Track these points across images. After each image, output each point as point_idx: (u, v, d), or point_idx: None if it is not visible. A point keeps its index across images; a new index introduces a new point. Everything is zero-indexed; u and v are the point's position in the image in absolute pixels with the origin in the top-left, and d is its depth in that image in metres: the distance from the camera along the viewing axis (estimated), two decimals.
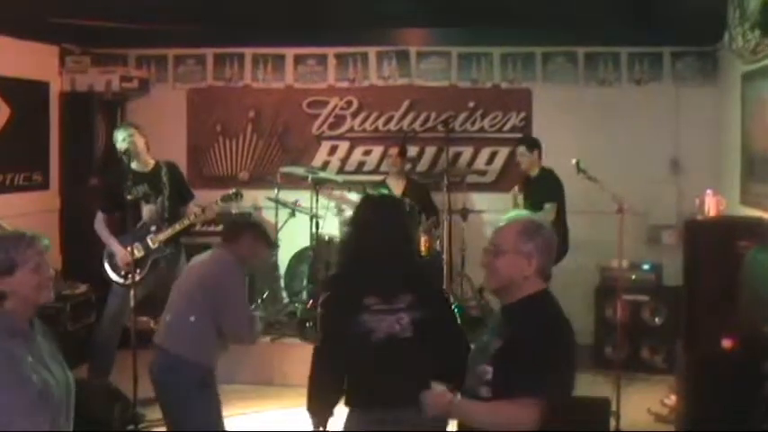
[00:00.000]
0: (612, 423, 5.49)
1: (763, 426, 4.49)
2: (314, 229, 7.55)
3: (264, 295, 7.83)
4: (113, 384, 5.88)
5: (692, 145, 8.00)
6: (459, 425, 3.06)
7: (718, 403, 5.12)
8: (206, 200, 6.54)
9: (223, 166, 8.68)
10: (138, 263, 6.21)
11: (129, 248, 5.91)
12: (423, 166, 8.41)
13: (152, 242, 6.28)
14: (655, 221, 7.99)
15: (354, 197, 8.05)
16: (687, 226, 5.97)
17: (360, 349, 3.56)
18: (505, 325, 2.97)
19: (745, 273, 4.96)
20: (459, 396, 2.92)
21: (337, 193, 8.32)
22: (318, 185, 7.72)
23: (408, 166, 8.05)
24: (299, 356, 6.54)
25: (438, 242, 7.53)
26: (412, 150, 8.20)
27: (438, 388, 2.95)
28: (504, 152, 8.33)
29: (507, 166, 8.27)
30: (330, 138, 8.56)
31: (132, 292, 5.78)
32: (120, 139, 6.34)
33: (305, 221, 7.62)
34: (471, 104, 8.39)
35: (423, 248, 7.29)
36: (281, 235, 7.76)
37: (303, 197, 7.74)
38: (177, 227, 6.35)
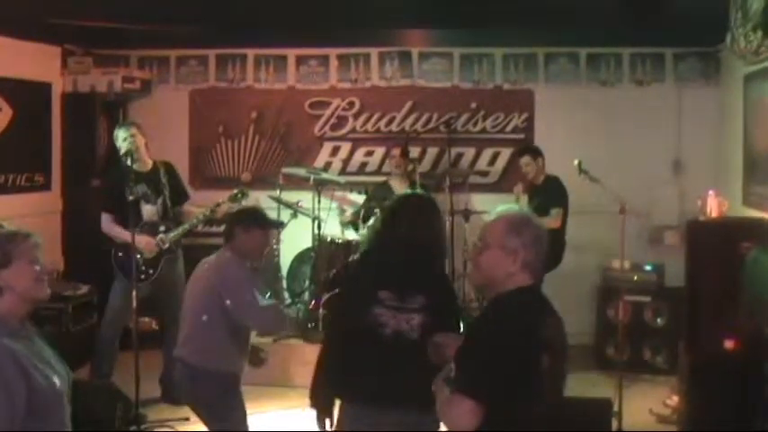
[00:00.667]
0: (614, 424, 5.49)
1: (764, 426, 4.49)
2: (316, 231, 7.54)
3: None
4: (115, 385, 5.87)
5: (695, 146, 8.00)
6: None
7: (720, 404, 5.13)
8: (208, 200, 6.54)
9: (225, 167, 8.68)
10: (149, 263, 6.21)
11: (157, 238, 6.18)
12: (425, 167, 8.40)
13: (162, 242, 6.28)
14: (657, 222, 7.99)
15: (356, 198, 8.06)
16: (689, 227, 5.97)
17: (366, 342, 3.53)
18: (477, 320, 2.97)
19: (746, 273, 4.96)
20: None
21: (339, 194, 8.31)
22: (320, 186, 7.70)
23: (411, 167, 8.05)
24: (301, 357, 6.56)
25: None
26: (414, 151, 8.20)
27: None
28: (506, 153, 8.34)
29: (509, 167, 8.28)
30: (332, 139, 8.56)
31: (135, 294, 5.78)
32: (122, 138, 6.32)
33: (307, 222, 7.62)
34: (473, 105, 8.40)
35: None
36: (282, 236, 7.77)
37: (305, 198, 7.73)
38: (187, 227, 6.34)
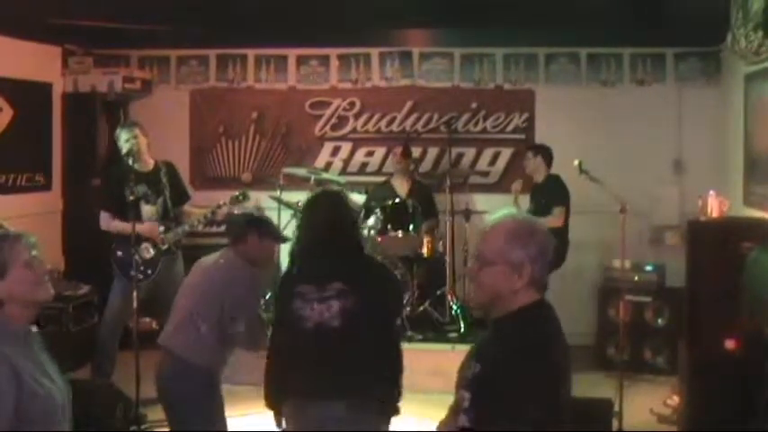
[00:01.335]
0: (615, 424, 5.50)
1: (765, 426, 4.48)
2: None
3: (267, 296, 7.82)
4: (116, 385, 5.87)
5: (695, 146, 8.00)
6: None
7: (721, 404, 5.13)
8: (208, 200, 6.54)
9: (226, 168, 8.68)
10: (148, 263, 6.21)
11: (158, 230, 6.22)
12: (425, 167, 8.41)
13: (162, 242, 6.27)
14: (657, 222, 7.99)
15: (357, 198, 8.05)
16: (690, 227, 5.96)
17: (292, 337, 3.64)
18: (488, 345, 2.60)
19: (747, 274, 4.95)
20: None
21: None
22: (321, 187, 7.70)
23: (412, 166, 8.05)
24: None
25: (441, 243, 7.53)
26: (414, 151, 8.19)
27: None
28: (506, 153, 8.34)
29: (510, 167, 8.28)
30: (333, 139, 8.56)
31: (135, 293, 5.78)
32: (124, 139, 6.32)
33: None
34: (474, 105, 8.40)
35: (426, 249, 7.31)
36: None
37: (306, 198, 7.72)
38: (187, 227, 6.34)
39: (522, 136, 8.26)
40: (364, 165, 8.54)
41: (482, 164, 8.40)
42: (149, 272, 6.25)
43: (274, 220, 7.74)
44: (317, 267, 3.69)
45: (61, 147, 8.05)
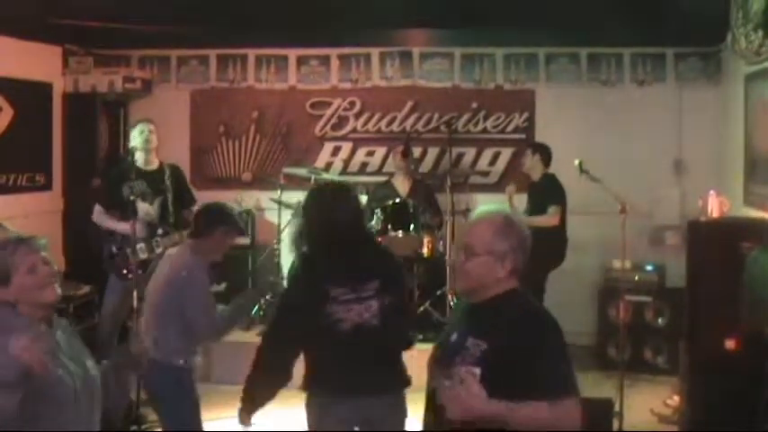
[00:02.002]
0: (615, 424, 5.50)
1: (765, 426, 4.48)
2: None
3: (267, 296, 7.83)
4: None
5: (696, 146, 8.00)
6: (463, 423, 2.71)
7: (721, 404, 5.12)
8: (209, 200, 6.51)
9: (226, 167, 8.68)
10: (142, 264, 6.20)
11: (152, 241, 6.19)
12: (426, 167, 8.41)
13: (156, 245, 6.26)
14: (658, 222, 7.99)
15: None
16: (690, 227, 5.97)
17: (326, 340, 3.58)
18: (482, 324, 2.75)
19: (747, 274, 4.95)
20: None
21: None
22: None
23: (412, 166, 8.06)
24: (301, 357, 6.54)
25: (441, 243, 7.53)
26: (415, 151, 8.19)
27: (470, 374, 2.61)
28: (506, 153, 8.34)
29: (510, 167, 8.28)
30: (333, 139, 8.56)
31: (135, 293, 5.77)
32: (139, 130, 6.37)
33: None
34: (474, 105, 8.40)
35: (426, 249, 7.31)
36: (283, 236, 7.77)
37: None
38: (185, 234, 6.33)
39: (523, 136, 8.26)
40: (364, 165, 8.54)
41: (482, 164, 8.40)
42: (140, 272, 6.23)
43: (274, 219, 7.85)
44: (350, 267, 3.61)
45: (61, 147, 8.05)
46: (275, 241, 7.88)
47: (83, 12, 6.99)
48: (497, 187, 8.24)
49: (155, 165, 6.47)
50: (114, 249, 6.27)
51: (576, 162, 6.31)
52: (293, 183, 7.95)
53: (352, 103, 8.52)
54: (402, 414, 3.72)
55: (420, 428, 2.96)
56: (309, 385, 3.68)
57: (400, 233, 7.07)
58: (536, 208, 7.09)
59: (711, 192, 6.10)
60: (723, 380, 5.16)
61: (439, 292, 7.46)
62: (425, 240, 7.28)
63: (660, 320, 7.27)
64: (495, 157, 8.38)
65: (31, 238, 3.01)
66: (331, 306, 3.54)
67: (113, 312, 6.37)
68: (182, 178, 6.70)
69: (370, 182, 8.10)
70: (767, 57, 5.97)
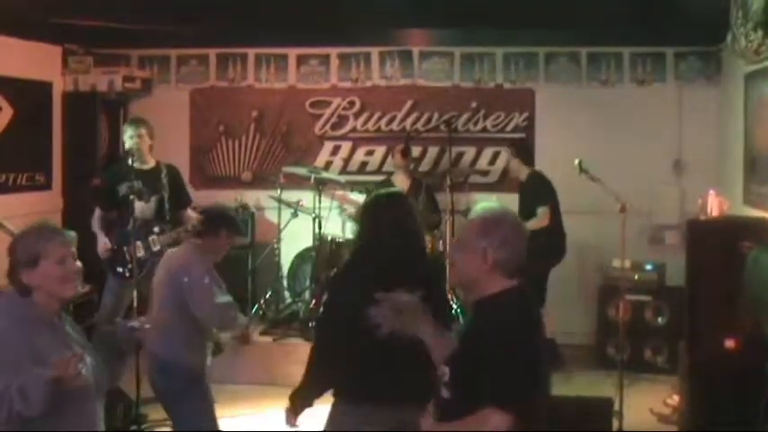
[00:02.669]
0: (615, 423, 5.49)
1: (765, 426, 4.48)
2: (316, 230, 7.55)
3: (267, 295, 7.84)
4: (116, 384, 5.87)
5: (695, 145, 8.00)
6: None
7: (721, 404, 5.12)
8: (209, 200, 6.53)
9: (226, 167, 8.68)
10: (138, 262, 6.20)
11: (150, 239, 6.23)
12: (425, 166, 8.42)
13: (153, 243, 6.27)
14: (657, 221, 7.99)
15: (357, 197, 8.06)
16: (690, 226, 5.96)
17: (363, 343, 3.52)
18: (467, 324, 2.92)
19: (747, 273, 4.95)
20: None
21: (340, 193, 8.33)
22: (321, 186, 7.72)
23: (412, 165, 8.06)
24: (301, 357, 6.47)
25: (441, 242, 7.53)
26: (414, 151, 8.20)
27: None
28: (506, 153, 8.32)
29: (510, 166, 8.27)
30: (333, 138, 8.56)
31: (135, 292, 5.77)
32: (128, 135, 6.37)
33: (308, 222, 7.62)
34: (474, 105, 8.40)
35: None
36: (283, 235, 7.78)
37: (306, 197, 7.74)
38: (182, 233, 6.33)
39: (522, 135, 8.25)
40: (364, 164, 8.54)
41: (482, 163, 8.40)
42: (138, 271, 6.23)
43: (274, 219, 7.85)
44: (402, 274, 3.57)
45: (61, 146, 8.05)
46: (275, 240, 7.88)
47: (83, 11, 6.98)
48: (497, 186, 8.27)
49: (151, 164, 6.47)
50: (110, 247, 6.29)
51: (576, 161, 6.30)
52: (293, 182, 7.95)
53: (352, 103, 8.52)
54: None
55: None
56: (340, 388, 3.70)
57: None
58: (527, 210, 7.05)
59: (711, 191, 6.10)
60: (723, 380, 5.16)
61: None
62: (425, 239, 7.27)
63: (660, 320, 7.27)
64: (495, 156, 8.38)
65: (67, 231, 3.07)
66: (371, 309, 3.54)
67: (110, 312, 6.37)
68: (178, 178, 6.70)
69: (370, 181, 8.09)
70: (767, 56, 5.96)
